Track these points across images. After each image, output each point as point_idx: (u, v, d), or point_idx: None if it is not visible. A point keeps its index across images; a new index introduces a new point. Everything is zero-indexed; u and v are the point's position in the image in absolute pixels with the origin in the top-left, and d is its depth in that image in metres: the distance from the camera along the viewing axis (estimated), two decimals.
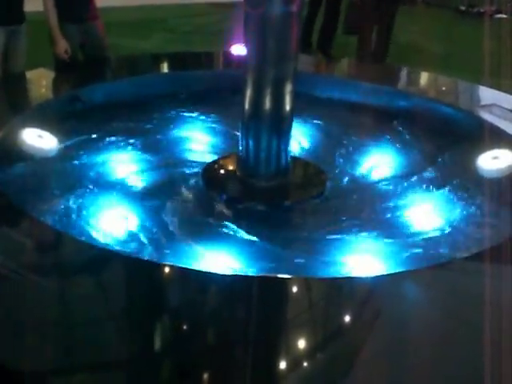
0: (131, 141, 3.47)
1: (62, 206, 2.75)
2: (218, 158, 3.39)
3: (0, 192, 2.52)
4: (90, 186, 2.96)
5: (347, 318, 1.95)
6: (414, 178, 3.23)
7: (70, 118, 3.48)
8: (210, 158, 3.41)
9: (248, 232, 2.64)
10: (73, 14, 4.23)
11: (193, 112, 3.91)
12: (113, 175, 3.15)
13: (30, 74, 4.12)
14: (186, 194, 3.02)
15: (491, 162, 3.19)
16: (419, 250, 2.58)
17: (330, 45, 7.51)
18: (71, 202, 2.79)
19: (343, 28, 7.42)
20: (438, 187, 3.10)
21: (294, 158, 3.27)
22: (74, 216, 2.70)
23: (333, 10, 7.42)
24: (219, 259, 2.47)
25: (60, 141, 3.25)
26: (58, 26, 4.17)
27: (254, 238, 2.60)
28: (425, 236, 2.71)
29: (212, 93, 3.97)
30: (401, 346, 1.75)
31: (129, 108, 3.74)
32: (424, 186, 3.15)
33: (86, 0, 4.35)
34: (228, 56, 4.76)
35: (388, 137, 3.67)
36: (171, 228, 2.69)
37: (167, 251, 2.50)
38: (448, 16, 11.01)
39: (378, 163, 3.44)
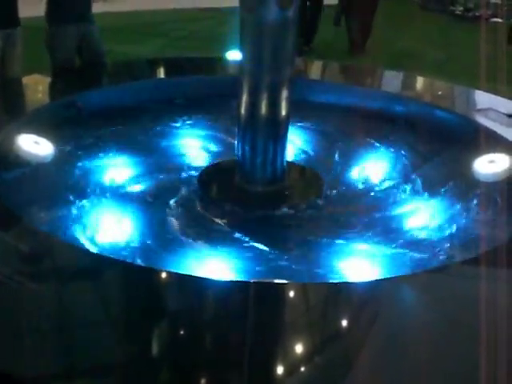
0: (128, 146, 3.47)
1: (59, 213, 2.74)
2: (215, 163, 3.39)
3: None
4: (87, 192, 2.95)
5: (345, 323, 1.95)
6: (408, 183, 3.24)
7: (66, 123, 3.47)
8: (206, 163, 3.41)
9: (243, 237, 2.64)
10: (73, 13, 4.24)
11: (189, 118, 3.90)
12: (108, 181, 3.14)
13: (26, 80, 4.12)
14: (182, 199, 3.01)
15: (488, 166, 3.19)
16: (416, 255, 2.58)
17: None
18: (68, 208, 2.79)
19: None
20: (433, 191, 3.10)
21: (290, 163, 3.26)
22: (70, 222, 2.69)
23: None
24: (215, 264, 2.46)
25: (56, 146, 3.24)
26: (56, 28, 4.20)
27: (250, 243, 2.60)
28: (421, 240, 2.72)
29: (208, 98, 3.96)
30: (398, 350, 1.75)
31: (125, 114, 3.74)
32: (416, 190, 3.15)
33: (82, 1, 4.36)
34: (223, 61, 4.77)
35: (383, 140, 3.68)
36: (166, 234, 2.69)
37: (163, 257, 2.49)
38: (444, 20, 11.06)
39: (373, 167, 3.45)
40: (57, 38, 4.27)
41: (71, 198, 2.88)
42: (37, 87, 4.15)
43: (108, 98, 3.83)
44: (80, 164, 3.21)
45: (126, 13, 9.67)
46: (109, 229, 2.72)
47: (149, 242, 2.61)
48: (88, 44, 4.41)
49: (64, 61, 4.33)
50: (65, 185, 2.98)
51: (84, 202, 2.88)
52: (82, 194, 2.94)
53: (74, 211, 2.80)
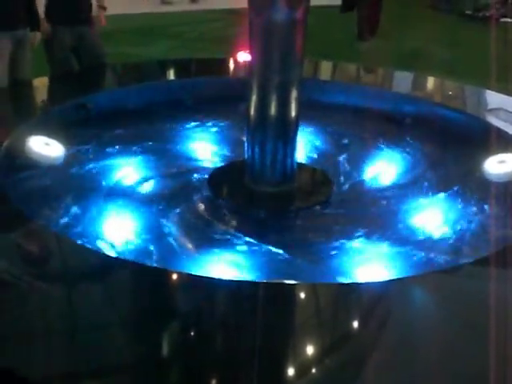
0: (136, 148, 3.49)
1: (69, 213, 2.76)
2: (225, 165, 3.39)
3: (7, 198, 2.53)
4: (95, 193, 2.97)
5: (354, 324, 1.94)
6: (420, 182, 3.23)
7: (75, 125, 3.49)
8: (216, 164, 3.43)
9: (253, 238, 2.64)
10: (66, 16, 4.28)
11: (198, 119, 3.91)
12: (118, 182, 3.15)
13: (37, 82, 4.15)
14: (193, 200, 3.02)
15: (498, 165, 3.18)
16: (426, 255, 2.57)
17: None
18: (77, 209, 2.80)
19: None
20: (444, 191, 3.10)
21: (300, 164, 3.26)
22: (79, 223, 2.70)
23: None
24: (225, 265, 2.47)
25: (66, 148, 3.26)
26: (53, 27, 4.26)
27: (260, 244, 2.60)
28: (432, 240, 2.71)
29: (217, 100, 3.98)
30: (408, 351, 1.75)
31: (134, 115, 3.76)
32: (427, 190, 3.15)
33: (81, 3, 4.39)
34: (233, 62, 4.78)
35: (396, 140, 3.68)
36: (177, 234, 2.69)
37: (173, 258, 2.50)
38: (454, 20, 11.01)
39: (382, 164, 3.45)
40: (53, 37, 4.30)
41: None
42: (47, 89, 4.17)
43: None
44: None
45: (135, 15, 9.69)
46: (123, 224, 2.76)
47: (155, 244, 2.62)
48: (85, 45, 4.43)
49: (60, 60, 4.37)
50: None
51: None
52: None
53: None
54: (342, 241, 2.68)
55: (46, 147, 3.17)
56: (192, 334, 1.85)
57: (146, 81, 4.40)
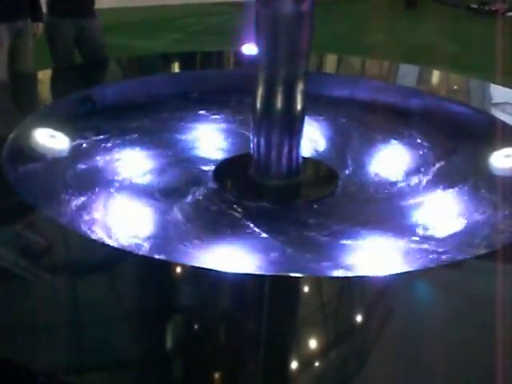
0: (142, 140, 3.49)
1: (75, 205, 2.76)
2: (230, 157, 3.39)
3: (13, 191, 2.53)
4: (102, 185, 2.97)
5: (359, 318, 1.94)
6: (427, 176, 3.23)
7: (81, 117, 3.49)
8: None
9: (259, 230, 2.64)
10: (69, 8, 4.27)
11: (203, 112, 3.91)
12: (123, 174, 3.15)
13: (39, 75, 4.14)
14: (198, 192, 3.02)
15: (504, 160, 3.17)
16: (431, 249, 2.57)
17: None
18: (84, 201, 2.81)
19: None
20: (451, 186, 3.09)
21: (306, 158, 3.26)
22: (86, 215, 2.70)
23: None
24: (230, 257, 2.47)
25: (72, 140, 3.27)
26: (55, 19, 4.26)
27: (265, 237, 2.60)
28: (437, 235, 2.71)
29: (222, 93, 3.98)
30: (413, 346, 1.74)
31: (139, 108, 3.76)
32: (436, 184, 3.14)
33: None
34: (239, 55, 4.77)
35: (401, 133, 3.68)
36: (182, 227, 2.70)
37: (179, 250, 2.50)
38: (459, 14, 10.99)
39: (386, 158, 3.45)
40: (55, 29, 4.30)
41: None
42: (50, 82, 4.17)
43: None
44: None
45: (141, 7, 9.68)
46: (128, 216, 2.77)
47: (161, 236, 2.62)
48: (85, 37, 4.43)
49: (62, 52, 4.36)
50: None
51: None
52: None
53: None
54: (345, 235, 2.68)
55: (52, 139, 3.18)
56: (198, 327, 1.85)
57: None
